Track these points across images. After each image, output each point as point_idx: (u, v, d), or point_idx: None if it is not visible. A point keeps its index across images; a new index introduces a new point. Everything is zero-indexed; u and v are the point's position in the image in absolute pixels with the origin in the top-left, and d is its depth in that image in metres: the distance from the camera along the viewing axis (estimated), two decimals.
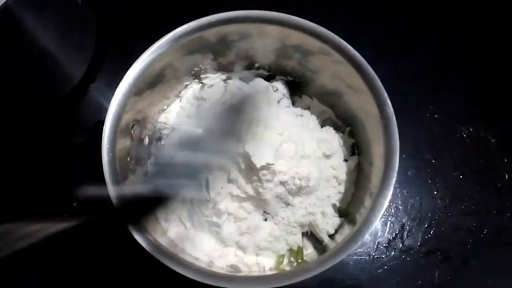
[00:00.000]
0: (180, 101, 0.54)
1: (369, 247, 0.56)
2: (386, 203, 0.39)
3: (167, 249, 0.39)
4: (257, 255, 0.47)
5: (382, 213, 0.39)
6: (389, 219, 0.57)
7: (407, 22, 0.67)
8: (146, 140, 0.51)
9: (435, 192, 0.58)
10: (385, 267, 0.55)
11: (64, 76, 0.61)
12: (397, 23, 0.66)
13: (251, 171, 0.43)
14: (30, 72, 0.58)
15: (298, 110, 0.52)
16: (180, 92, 0.54)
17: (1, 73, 0.55)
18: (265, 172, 0.42)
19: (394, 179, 0.39)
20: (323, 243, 0.48)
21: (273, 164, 0.42)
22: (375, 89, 0.41)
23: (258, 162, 0.41)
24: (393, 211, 0.57)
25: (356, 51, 0.42)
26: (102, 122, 0.42)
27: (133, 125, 0.46)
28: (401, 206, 0.57)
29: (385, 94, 0.41)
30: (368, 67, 0.42)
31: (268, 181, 0.43)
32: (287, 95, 0.53)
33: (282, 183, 0.43)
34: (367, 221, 0.39)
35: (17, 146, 0.61)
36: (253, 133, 0.43)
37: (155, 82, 0.47)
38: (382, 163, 0.41)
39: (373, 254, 0.55)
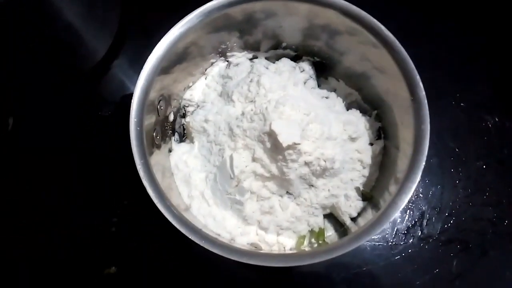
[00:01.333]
0: (206, 78, 0.53)
1: (388, 233, 0.55)
2: (413, 187, 0.39)
3: (192, 223, 0.39)
4: (278, 234, 0.47)
5: (409, 197, 0.39)
6: (409, 206, 0.56)
7: (434, 8, 0.65)
8: (171, 117, 0.51)
9: (457, 181, 0.57)
10: (403, 254, 0.55)
11: (88, 52, 0.62)
12: (424, 9, 0.65)
13: (276, 150, 0.43)
14: (54, 46, 0.58)
15: (324, 92, 0.52)
16: (205, 70, 0.53)
17: (25, 47, 0.55)
18: (290, 151, 0.42)
19: (423, 163, 0.39)
20: (344, 226, 0.48)
21: (299, 144, 0.41)
22: (407, 71, 0.40)
23: (285, 141, 0.40)
24: (413, 198, 0.57)
25: (389, 31, 0.41)
26: (128, 97, 0.42)
27: (159, 101, 0.46)
28: (422, 194, 0.57)
29: (418, 77, 0.40)
30: (401, 47, 0.41)
31: (293, 161, 0.42)
32: (314, 76, 0.52)
33: (307, 163, 0.43)
34: (393, 204, 0.39)
35: (44, 119, 0.61)
36: (280, 112, 0.43)
37: (181, 59, 0.47)
38: (410, 148, 0.40)
39: (391, 240, 0.55)
